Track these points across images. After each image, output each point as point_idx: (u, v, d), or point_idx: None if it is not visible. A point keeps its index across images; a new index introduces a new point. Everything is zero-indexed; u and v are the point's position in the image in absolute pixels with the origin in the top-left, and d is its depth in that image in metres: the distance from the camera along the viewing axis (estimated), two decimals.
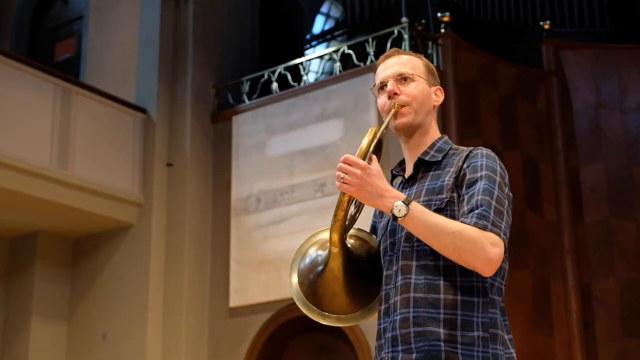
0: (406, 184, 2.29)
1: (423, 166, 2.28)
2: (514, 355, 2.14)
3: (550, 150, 8.63)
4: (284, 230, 8.17)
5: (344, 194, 2.11)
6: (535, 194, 8.44)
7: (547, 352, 7.97)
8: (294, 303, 2.27)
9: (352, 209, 2.21)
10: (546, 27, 9.16)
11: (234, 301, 8.33)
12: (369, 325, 7.31)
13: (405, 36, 8.10)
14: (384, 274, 2.22)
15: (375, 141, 2.17)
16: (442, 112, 7.67)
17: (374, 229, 2.41)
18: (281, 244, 8.08)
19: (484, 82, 8.43)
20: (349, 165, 2.09)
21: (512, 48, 10.30)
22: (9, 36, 10.65)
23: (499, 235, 2.05)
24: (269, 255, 8.16)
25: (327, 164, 8.07)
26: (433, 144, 2.30)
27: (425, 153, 2.29)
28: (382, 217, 2.35)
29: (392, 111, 2.26)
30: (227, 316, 8.39)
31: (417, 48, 8.11)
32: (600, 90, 8.86)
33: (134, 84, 9.06)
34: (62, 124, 8.15)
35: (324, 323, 2.24)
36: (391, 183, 2.31)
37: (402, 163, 2.39)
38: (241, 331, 8.27)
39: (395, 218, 2.08)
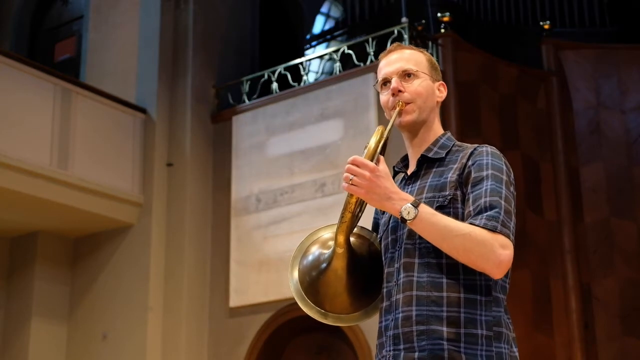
0: (408, 181, 2.27)
1: (426, 162, 2.26)
2: (517, 354, 2.13)
3: (550, 150, 8.63)
4: (284, 230, 8.17)
5: (351, 195, 2.08)
6: (535, 194, 8.43)
7: (547, 352, 7.97)
8: (294, 303, 2.26)
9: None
10: (546, 27, 9.16)
11: (234, 301, 8.33)
12: (369, 326, 7.30)
13: (405, 36, 8.09)
14: (386, 271, 2.19)
15: (382, 141, 2.15)
16: (442, 112, 7.66)
17: (376, 226, 2.37)
18: (281, 244, 8.08)
19: (484, 82, 8.43)
20: (358, 166, 2.06)
21: (512, 48, 10.27)
22: (9, 36, 10.65)
23: (508, 236, 2.04)
24: (269, 255, 8.16)
25: (327, 164, 8.07)
26: (436, 141, 2.28)
27: (429, 150, 2.26)
28: (383, 213, 2.33)
29: (397, 109, 2.23)
30: (227, 316, 8.39)
31: None
32: (600, 90, 8.86)
33: (134, 84, 9.06)
34: (62, 124, 8.15)
35: (324, 322, 2.22)
36: (393, 178, 2.28)
37: (404, 159, 2.36)
38: (241, 331, 8.27)
39: (404, 220, 2.05)
